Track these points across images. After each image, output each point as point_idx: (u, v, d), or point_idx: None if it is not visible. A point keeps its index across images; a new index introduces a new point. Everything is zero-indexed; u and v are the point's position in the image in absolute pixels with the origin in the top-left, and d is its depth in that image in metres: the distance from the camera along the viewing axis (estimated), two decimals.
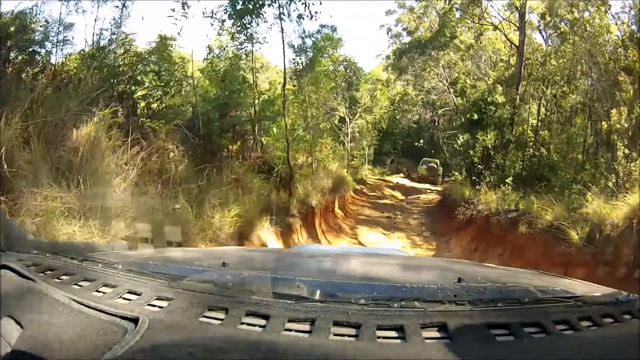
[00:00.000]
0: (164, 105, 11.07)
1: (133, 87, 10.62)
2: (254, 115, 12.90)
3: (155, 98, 11.15)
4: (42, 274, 1.35)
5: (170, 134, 9.58)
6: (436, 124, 27.37)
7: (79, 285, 1.27)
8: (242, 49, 12.62)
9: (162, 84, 11.09)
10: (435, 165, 25.37)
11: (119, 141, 7.32)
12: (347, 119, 20.72)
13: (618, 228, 6.99)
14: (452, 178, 16.51)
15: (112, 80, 9.79)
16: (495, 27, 17.43)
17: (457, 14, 18.11)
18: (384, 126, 27.18)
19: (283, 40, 12.41)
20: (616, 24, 12.58)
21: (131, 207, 6.46)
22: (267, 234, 9.26)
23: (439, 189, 21.60)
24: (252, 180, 10.75)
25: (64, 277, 1.33)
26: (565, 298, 1.32)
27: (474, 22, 17.95)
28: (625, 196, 7.69)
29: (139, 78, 10.90)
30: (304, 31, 15.14)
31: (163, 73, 11.17)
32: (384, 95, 24.78)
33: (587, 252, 7.21)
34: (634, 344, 1.08)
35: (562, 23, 14.64)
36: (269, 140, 13.39)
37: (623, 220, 7.01)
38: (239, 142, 12.91)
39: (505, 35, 16.97)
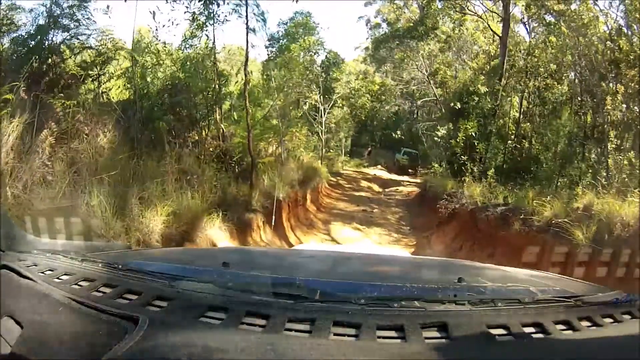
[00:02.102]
0: (100, 85, 10.47)
1: (59, 64, 9.86)
2: (213, 97, 12.55)
3: (92, 78, 10.39)
4: (42, 274, 1.38)
5: (98, 117, 8.83)
6: (415, 115, 27.76)
7: (79, 285, 1.31)
8: (199, 26, 12.37)
9: (97, 60, 10.46)
10: (415, 155, 25.83)
11: (19, 123, 6.73)
12: (322, 108, 20.78)
13: (630, 227, 6.62)
14: (432, 170, 16.70)
15: (34, 57, 9.17)
16: (479, 17, 17.51)
17: (439, 5, 18.28)
18: (363, 117, 27.48)
19: (247, 16, 12.26)
20: (605, 17, 12.86)
21: (24, 204, 5.92)
22: (217, 233, 8.54)
23: (418, 181, 21.49)
24: (203, 171, 10.14)
25: (64, 277, 1.37)
26: (565, 298, 1.38)
27: (456, 12, 18.09)
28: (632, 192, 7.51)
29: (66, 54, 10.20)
30: (262, 13, 15.19)
31: (101, 48, 10.62)
32: (363, 86, 25.07)
33: (596, 253, 6.43)
34: (634, 344, 1.14)
35: (548, 15, 14.80)
36: (228, 127, 12.96)
37: (635, 219, 6.64)
38: (192, 129, 12.21)
39: (488, 25, 17.06)
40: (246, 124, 11.70)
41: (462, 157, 13.87)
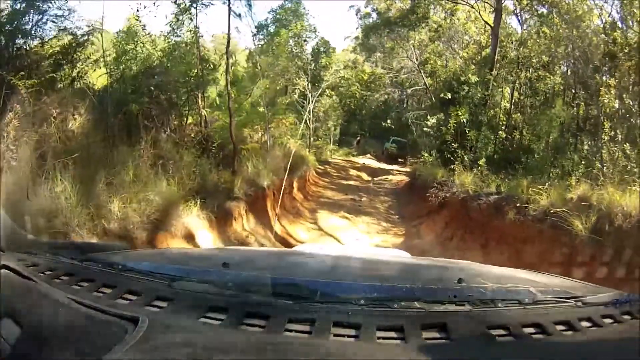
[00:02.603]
0: (74, 68, 10.12)
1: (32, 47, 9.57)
2: (196, 81, 12.24)
3: (66, 61, 10.05)
4: (42, 274, 1.40)
5: (70, 99, 8.49)
6: (404, 104, 27.98)
7: (79, 285, 1.32)
8: (183, 10, 12.09)
9: (72, 42, 10.08)
10: (404, 143, 26.06)
11: None
12: (310, 96, 20.78)
13: (631, 217, 6.40)
14: (422, 159, 16.82)
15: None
16: (471, 7, 17.62)
17: None
18: (352, 106, 27.69)
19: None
20: (600, 10, 13.06)
21: None
22: (195, 222, 8.18)
23: (408, 170, 21.51)
24: (182, 157, 9.72)
25: (64, 277, 1.38)
26: (565, 298, 1.41)
27: (448, 1, 18.27)
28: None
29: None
30: None
31: (75, 30, 10.38)
32: (353, 75, 25.18)
33: (597, 244, 6.44)
34: (634, 344, 1.15)
35: (541, 7, 14.95)
36: (212, 113, 12.73)
37: (635, 209, 6.42)
38: (170, 113, 11.50)
39: (480, 15, 17.16)
40: (228, 108, 11.52)
41: (453, 144, 13.86)
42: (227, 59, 12.05)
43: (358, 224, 12.71)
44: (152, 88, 11.11)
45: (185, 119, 12.26)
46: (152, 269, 1.52)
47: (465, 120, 14.16)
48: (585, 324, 1.22)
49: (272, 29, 16.71)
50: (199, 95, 12.32)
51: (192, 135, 11.61)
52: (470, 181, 11.59)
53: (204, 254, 2.89)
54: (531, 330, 1.16)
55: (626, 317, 1.31)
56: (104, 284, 1.33)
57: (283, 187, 10.67)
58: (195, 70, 12.22)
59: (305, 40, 19.16)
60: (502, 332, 1.14)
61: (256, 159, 12.17)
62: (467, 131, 14.14)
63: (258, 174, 11.57)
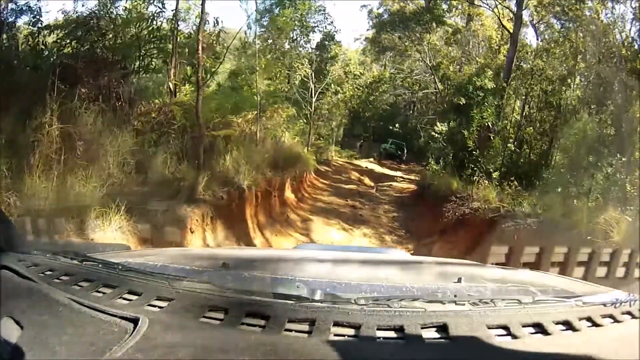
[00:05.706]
0: None
1: None
2: (150, 38, 11.31)
3: None
4: (42, 274, 1.51)
5: None
6: (412, 108, 28.48)
7: (79, 285, 1.43)
8: None
9: None
10: (402, 145, 26.92)
11: None
12: (313, 87, 20.66)
13: None
14: (427, 167, 16.92)
15: None
16: (492, 10, 18.21)
17: None
18: (355, 106, 28.02)
19: None
20: (622, 27, 13.44)
21: None
22: (114, 239, 5.87)
23: (413, 177, 22.12)
24: (115, 138, 8.36)
25: (64, 277, 1.49)
26: (565, 298, 1.52)
27: (467, 3, 19.10)
28: None
29: None
30: None
31: None
32: (360, 72, 25.58)
33: None
34: (634, 344, 1.23)
35: (558, 20, 15.64)
36: (183, 87, 12.04)
37: None
38: (106, 76, 9.89)
39: (499, 20, 17.78)
40: (196, 80, 10.46)
41: (474, 152, 13.70)
42: (202, 11, 10.89)
43: (358, 237, 12.40)
44: (80, 39, 10.04)
45: (130, 85, 10.85)
46: (152, 269, 1.63)
47: (490, 124, 14.37)
48: (585, 323, 1.33)
49: (275, 11, 16.86)
50: (171, 63, 11.59)
51: (153, 113, 10.58)
52: (494, 197, 11.28)
53: (204, 254, 2.99)
54: (531, 329, 1.27)
55: (626, 317, 1.41)
56: (104, 284, 1.44)
57: (269, 189, 10.18)
58: (154, 25, 11.46)
59: (313, 27, 19.31)
60: (502, 332, 1.24)
61: (237, 152, 11.43)
62: (491, 137, 14.30)
63: (237, 170, 10.72)
